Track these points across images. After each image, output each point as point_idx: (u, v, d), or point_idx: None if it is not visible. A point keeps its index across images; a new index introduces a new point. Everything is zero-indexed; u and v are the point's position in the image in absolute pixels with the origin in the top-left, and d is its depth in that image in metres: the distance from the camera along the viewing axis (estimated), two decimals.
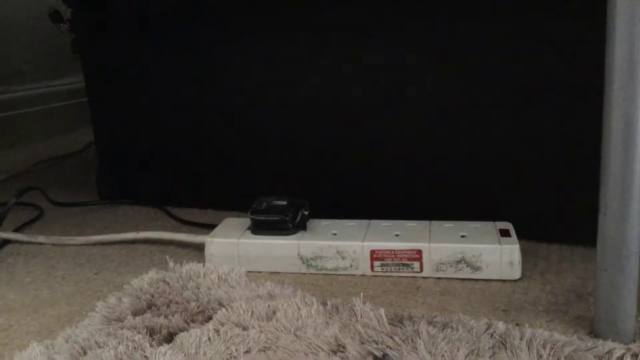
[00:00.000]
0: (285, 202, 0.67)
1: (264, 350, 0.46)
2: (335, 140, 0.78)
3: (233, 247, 0.65)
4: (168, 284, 0.58)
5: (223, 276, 0.59)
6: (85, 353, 0.47)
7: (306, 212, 0.67)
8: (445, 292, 0.58)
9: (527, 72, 0.67)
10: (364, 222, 0.68)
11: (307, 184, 0.80)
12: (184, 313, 0.52)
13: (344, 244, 0.63)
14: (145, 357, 0.46)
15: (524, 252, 0.62)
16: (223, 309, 0.51)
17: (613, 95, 0.44)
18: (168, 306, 0.53)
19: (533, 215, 0.69)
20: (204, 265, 0.61)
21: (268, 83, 0.80)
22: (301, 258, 0.63)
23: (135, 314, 0.53)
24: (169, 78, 0.86)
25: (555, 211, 0.68)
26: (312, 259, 0.63)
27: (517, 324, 0.51)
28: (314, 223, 0.69)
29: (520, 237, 0.62)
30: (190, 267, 0.61)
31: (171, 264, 0.62)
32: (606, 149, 0.45)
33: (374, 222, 0.68)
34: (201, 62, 0.83)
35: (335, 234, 0.65)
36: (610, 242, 0.46)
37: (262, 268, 0.65)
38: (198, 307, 0.52)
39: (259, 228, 0.66)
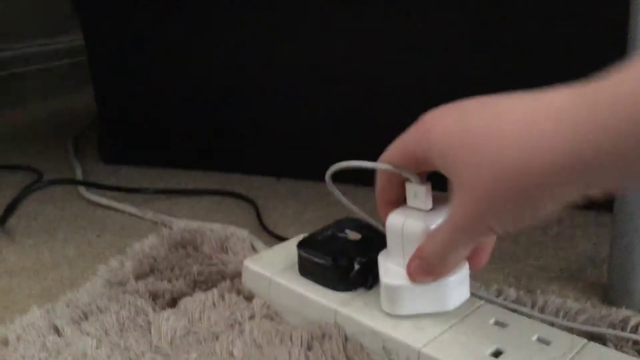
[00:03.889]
0: (359, 236, 0.46)
1: (270, 319, 0.45)
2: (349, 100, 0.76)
3: (265, 283, 0.47)
4: (170, 249, 0.56)
5: (225, 242, 0.57)
6: (86, 317, 0.46)
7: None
8: None
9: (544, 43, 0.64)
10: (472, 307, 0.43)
11: (314, 145, 0.79)
12: (187, 277, 0.51)
13: (393, 339, 0.38)
14: (148, 321, 0.45)
15: None
16: (226, 281, 0.50)
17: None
18: (172, 270, 0.52)
19: None
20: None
21: (274, 41, 0.78)
22: (339, 331, 0.41)
23: (137, 277, 0.52)
24: (171, 35, 0.83)
25: None
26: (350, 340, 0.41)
27: (529, 291, 0.49)
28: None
29: None
30: (191, 232, 0.60)
31: (166, 232, 0.60)
32: None
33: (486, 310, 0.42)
34: (205, 18, 0.80)
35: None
36: (628, 207, 0.45)
37: (296, 321, 0.44)
38: (201, 273, 0.51)
39: (304, 267, 0.45)
